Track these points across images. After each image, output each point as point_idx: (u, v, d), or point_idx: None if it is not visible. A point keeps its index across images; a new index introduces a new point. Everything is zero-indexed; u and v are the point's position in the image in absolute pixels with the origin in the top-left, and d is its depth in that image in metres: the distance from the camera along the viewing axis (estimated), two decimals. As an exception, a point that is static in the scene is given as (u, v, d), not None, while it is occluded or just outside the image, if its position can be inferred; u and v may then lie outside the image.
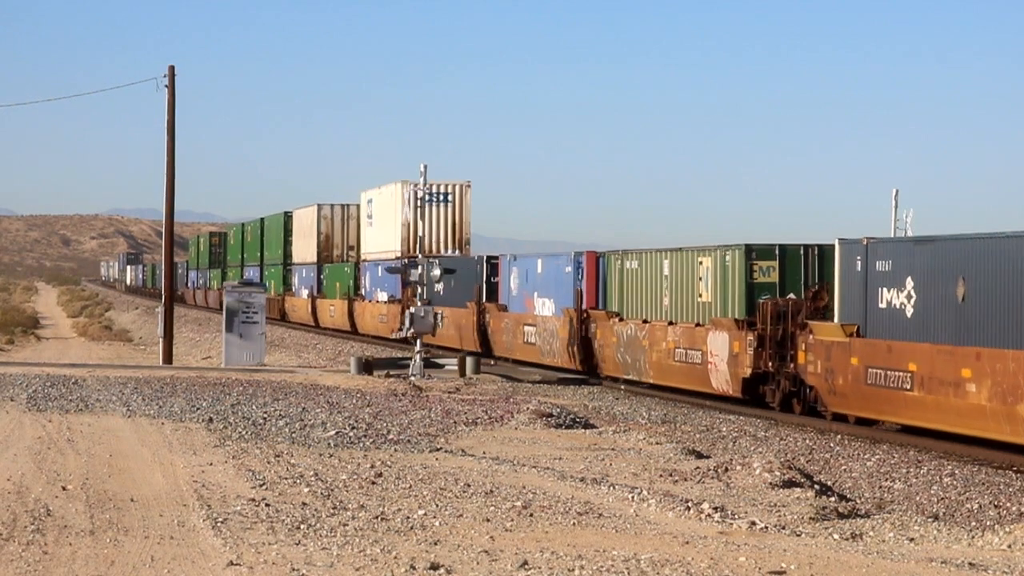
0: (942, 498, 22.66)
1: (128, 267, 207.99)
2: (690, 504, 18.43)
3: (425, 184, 48.15)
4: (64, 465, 21.04)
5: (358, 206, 77.33)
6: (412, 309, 45.55)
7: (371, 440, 25.26)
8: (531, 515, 17.43)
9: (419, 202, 48.20)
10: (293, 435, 25.56)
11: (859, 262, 31.01)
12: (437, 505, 17.99)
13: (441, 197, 63.80)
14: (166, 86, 51.34)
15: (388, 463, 21.89)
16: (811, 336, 32.74)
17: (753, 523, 17.40)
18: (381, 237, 69.35)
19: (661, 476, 22.11)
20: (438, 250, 63.02)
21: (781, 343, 34.11)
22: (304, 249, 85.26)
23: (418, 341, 45.29)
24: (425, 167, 47.94)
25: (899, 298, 29.65)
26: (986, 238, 27.51)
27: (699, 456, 25.27)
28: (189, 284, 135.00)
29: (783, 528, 17.44)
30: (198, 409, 29.86)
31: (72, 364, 46.29)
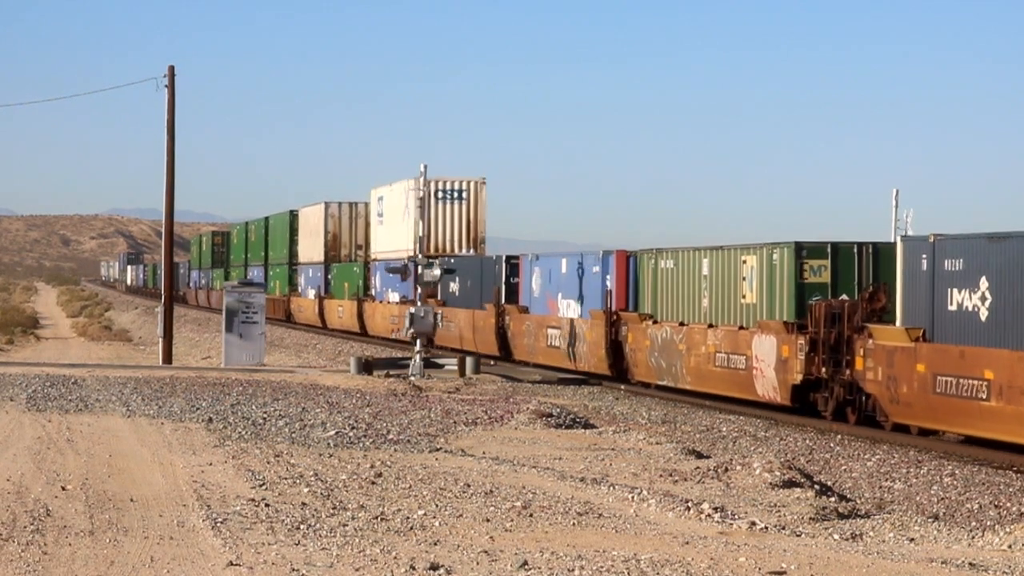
0: (942, 498, 22.65)
1: (129, 267, 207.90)
2: (690, 504, 18.43)
3: (425, 184, 48.16)
4: (64, 465, 21.03)
5: (366, 204, 75.70)
6: (412, 309, 45.56)
7: (371, 440, 25.25)
8: (531, 515, 17.42)
9: (420, 202, 48.14)
10: (293, 435, 25.55)
11: (924, 261, 28.94)
12: (437, 505, 17.98)
13: (455, 194, 61.89)
14: (166, 86, 51.36)
15: (388, 463, 21.88)
16: (871, 340, 30.61)
17: (753, 523, 17.39)
18: (392, 236, 66.97)
19: (661, 476, 22.11)
20: (451, 249, 61.24)
21: (835, 348, 32.06)
22: (311, 248, 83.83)
23: (418, 341, 45.27)
24: (425, 167, 47.95)
25: (972, 300, 27.55)
26: None
27: (699, 456, 25.26)
28: (191, 284, 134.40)
29: (783, 528, 17.44)
30: (198, 409, 29.86)
31: (72, 364, 46.29)
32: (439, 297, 59.28)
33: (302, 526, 16.25)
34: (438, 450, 24.21)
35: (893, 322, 30.52)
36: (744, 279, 36.08)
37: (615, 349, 43.20)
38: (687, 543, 15.70)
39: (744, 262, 36.16)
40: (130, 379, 38.25)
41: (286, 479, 19.93)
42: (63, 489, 18.64)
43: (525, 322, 50.90)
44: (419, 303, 46.05)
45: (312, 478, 20.03)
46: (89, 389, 34.82)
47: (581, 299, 46.16)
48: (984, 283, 27.33)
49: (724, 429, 32.10)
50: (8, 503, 17.40)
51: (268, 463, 21.56)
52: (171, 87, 51.35)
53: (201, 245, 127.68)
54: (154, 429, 26.28)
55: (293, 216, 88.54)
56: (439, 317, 46.48)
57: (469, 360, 45.89)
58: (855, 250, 34.35)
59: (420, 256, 47.85)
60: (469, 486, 19.62)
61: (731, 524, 17.28)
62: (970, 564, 15.22)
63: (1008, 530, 17.58)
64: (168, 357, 50.22)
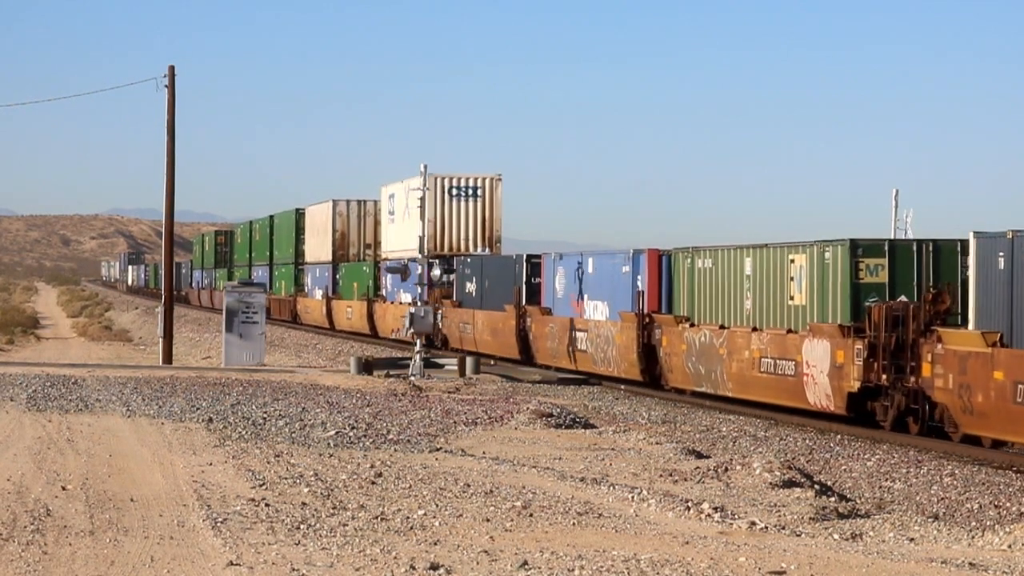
0: (942, 498, 22.65)
1: (129, 267, 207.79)
2: (690, 504, 18.45)
3: (425, 183, 48.15)
4: (64, 465, 21.04)
5: (375, 202, 73.76)
6: (412, 309, 45.59)
7: (371, 440, 25.27)
8: (531, 515, 17.43)
9: (420, 201, 48.12)
10: (293, 435, 25.57)
11: (1002, 259, 26.82)
12: (437, 505, 17.99)
13: (469, 191, 59.78)
14: (166, 86, 51.37)
15: (388, 463, 21.89)
16: (939, 345, 28.47)
17: (753, 523, 17.41)
18: (404, 234, 63.51)
19: (661, 476, 22.12)
20: (466, 248, 59.47)
21: (896, 354, 29.94)
22: (318, 248, 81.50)
23: (418, 341, 45.31)
24: (425, 167, 47.97)
25: None
26: None
27: (699, 456, 25.27)
28: (194, 284, 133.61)
29: (783, 528, 17.45)
30: (198, 409, 29.87)
31: (72, 364, 46.31)
32: (454, 298, 58.18)
33: (302, 526, 16.26)
34: (438, 450, 24.22)
35: (959, 325, 28.98)
36: (792, 279, 34.05)
37: (647, 353, 40.98)
38: (687, 543, 15.71)
39: (792, 261, 34.06)
40: (130, 379, 38.27)
41: (286, 479, 19.94)
42: (63, 489, 18.65)
43: (548, 324, 48.49)
44: (420, 303, 46.09)
45: (312, 478, 20.04)
46: (89, 389, 34.84)
47: (609, 300, 44.10)
48: None
49: (724, 429, 32.10)
50: (8, 503, 17.41)
51: (268, 463, 21.58)
52: (171, 87, 51.37)
53: (204, 245, 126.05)
54: (154, 429, 26.29)
55: (299, 215, 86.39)
56: (439, 317, 46.43)
57: (469, 360, 45.87)
58: (914, 247, 32.23)
59: (420, 256, 47.88)
60: (469, 486, 19.63)
61: (731, 524, 17.29)
62: (970, 564, 15.23)
63: (1008, 530, 17.59)
64: (168, 357, 50.25)
